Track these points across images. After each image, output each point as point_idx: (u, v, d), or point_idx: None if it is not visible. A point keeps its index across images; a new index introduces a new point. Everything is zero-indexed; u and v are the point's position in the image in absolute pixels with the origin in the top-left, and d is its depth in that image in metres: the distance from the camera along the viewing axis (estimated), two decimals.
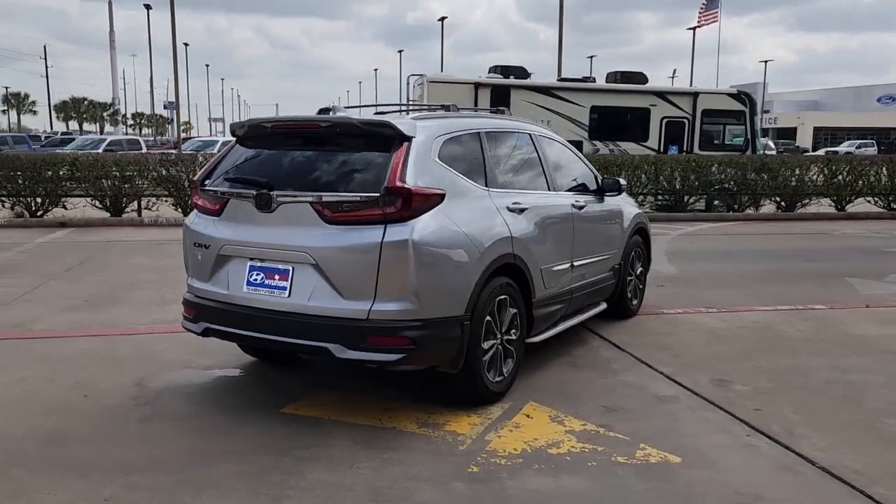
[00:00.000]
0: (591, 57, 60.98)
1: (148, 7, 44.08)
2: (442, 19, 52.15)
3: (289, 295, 4.07)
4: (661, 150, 19.76)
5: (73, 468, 3.59)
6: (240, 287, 4.24)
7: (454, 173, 4.35)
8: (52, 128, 70.93)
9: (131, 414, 4.31)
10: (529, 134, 5.41)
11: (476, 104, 18.55)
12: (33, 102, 78.70)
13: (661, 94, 20.06)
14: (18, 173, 13.62)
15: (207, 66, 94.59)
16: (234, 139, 4.66)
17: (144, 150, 26.37)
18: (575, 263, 5.51)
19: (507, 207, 4.66)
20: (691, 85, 39.02)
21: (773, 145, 49.54)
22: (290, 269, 4.08)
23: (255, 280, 4.19)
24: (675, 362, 5.43)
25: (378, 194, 3.91)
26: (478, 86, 18.73)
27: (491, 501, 3.31)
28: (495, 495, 3.36)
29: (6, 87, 75.00)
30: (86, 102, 74.90)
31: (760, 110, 34.47)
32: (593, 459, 3.74)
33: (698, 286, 8.39)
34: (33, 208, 13.67)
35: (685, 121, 20.04)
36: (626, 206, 6.63)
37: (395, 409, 4.40)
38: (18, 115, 79.54)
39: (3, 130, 68.02)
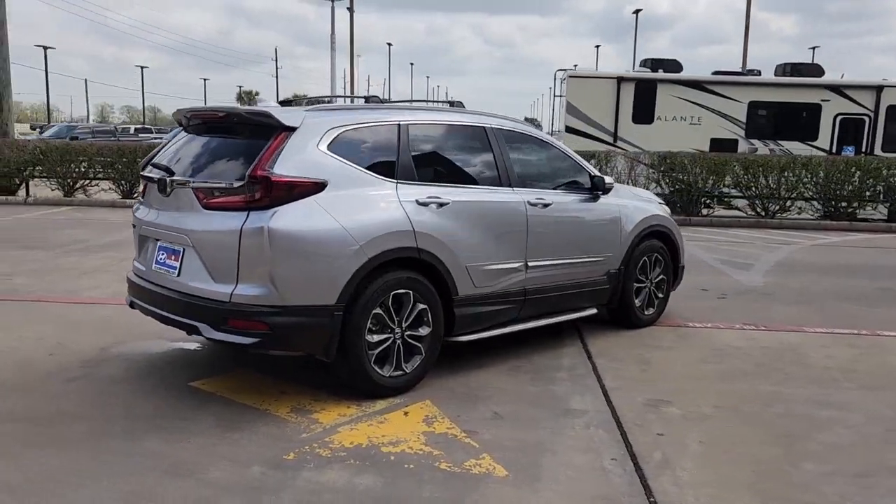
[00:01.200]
0: (814, 48, 55.52)
1: (350, 10, 47.09)
2: (636, 12, 50.30)
3: (178, 275, 4.33)
4: (834, 150, 17.79)
5: None
6: (151, 265, 4.58)
7: (347, 164, 4.36)
8: None
9: (67, 373, 4.81)
10: (484, 128, 5.22)
11: (618, 100, 17.89)
12: (263, 100, 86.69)
13: (836, 88, 18.02)
14: None
15: (412, 64, 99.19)
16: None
17: None
18: (532, 264, 5.25)
19: (418, 201, 4.57)
20: None
21: None
22: (181, 250, 4.34)
23: (160, 259, 4.51)
24: (632, 378, 5.02)
25: (244, 182, 4.05)
26: (620, 80, 18.01)
27: (270, 488, 3.33)
28: (278, 483, 3.38)
29: (239, 87, 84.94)
30: (305, 100, 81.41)
31: None
32: (417, 462, 3.62)
33: (766, 300, 7.57)
34: None
35: (865, 118, 17.85)
36: (631, 206, 6.15)
37: (288, 394, 4.51)
38: None
39: None
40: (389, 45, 75.38)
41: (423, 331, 4.60)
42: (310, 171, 4.18)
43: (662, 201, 7.07)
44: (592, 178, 5.79)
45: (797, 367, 5.34)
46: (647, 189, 15.10)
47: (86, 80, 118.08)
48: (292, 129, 4.21)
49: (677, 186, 14.46)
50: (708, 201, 15.18)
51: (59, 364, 4.98)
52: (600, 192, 5.81)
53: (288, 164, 4.12)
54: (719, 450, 3.88)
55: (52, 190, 15.70)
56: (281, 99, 5.30)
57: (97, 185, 15.95)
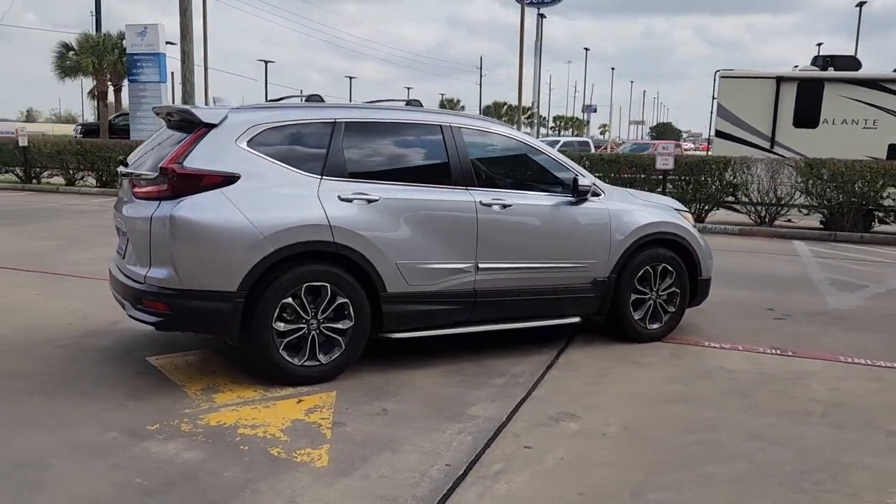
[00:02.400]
0: None
1: (542, 16, 47.21)
2: (860, 4, 45.20)
3: (124, 258, 4.81)
4: None
5: None
6: (118, 253, 5.11)
7: (266, 159, 4.58)
8: None
9: (63, 340, 5.48)
10: (440, 126, 5.19)
11: (777, 102, 16.43)
12: (463, 108, 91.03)
13: None
14: None
15: (613, 69, 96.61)
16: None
17: (593, 150, 29.34)
18: (484, 266, 5.15)
19: (340, 197, 4.68)
20: None
21: None
22: (127, 236, 4.81)
23: (120, 246, 5.02)
24: (568, 391, 4.79)
25: (157, 174, 4.42)
26: (780, 80, 16.47)
27: (103, 451, 3.64)
28: (114, 448, 3.68)
29: (441, 94, 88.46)
30: (505, 107, 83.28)
31: None
32: (254, 445, 3.77)
33: (831, 325, 6.73)
34: None
35: None
36: (625, 211, 5.76)
37: (217, 375, 4.84)
38: None
39: None
40: (586, 49, 74.47)
41: (344, 324, 4.71)
42: (222, 165, 4.47)
43: (683, 208, 6.52)
44: (575, 180, 5.51)
45: (774, 397, 4.74)
46: (792, 199, 13.78)
47: (301, 90, 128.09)
48: (211, 126, 4.52)
49: (840, 197, 13.09)
50: (882, 215, 13.61)
51: (64, 332, 5.70)
52: (584, 196, 5.52)
53: (200, 158, 4.43)
54: (572, 468, 3.62)
55: None
56: (273, 98, 5.62)
57: None
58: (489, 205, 5.17)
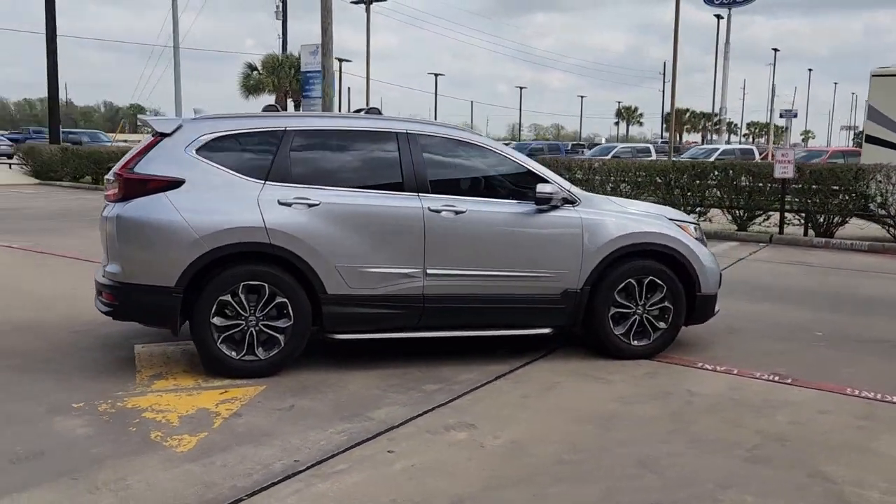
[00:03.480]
0: None
1: (718, 17, 44.96)
2: None
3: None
4: None
5: None
6: None
7: (212, 165, 4.93)
8: (660, 136, 76.84)
9: (84, 326, 6.13)
10: (395, 133, 5.27)
11: None
12: (641, 115, 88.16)
13: None
14: None
15: (810, 70, 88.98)
16: None
17: (758, 158, 28.37)
18: (433, 272, 5.15)
19: (280, 201, 4.92)
20: None
21: None
22: None
23: None
24: (495, 401, 4.71)
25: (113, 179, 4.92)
26: None
27: (19, 421, 4.14)
28: (31, 419, 4.17)
29: (618, 102, 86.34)
30: (687, 113, 79.48)
31: None
32: (142, 426, 4.11)
33: (871, 353, 5.99)
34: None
35: None
36: (602, 221, 5.48)
37: (179, 364, 5.25)
38: (627, 125, 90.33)
39: (610, 140, 77.04)
40: (776, 50, 69.44)
41: (283, 323, 4.94)
42: (169, 171, 4.87)
43: (686, 219, 6.05)
44: (544, 188, 5.34)
45: (716, 425, 4.35)
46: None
47: (471, 101, 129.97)
48: (164, 135, 4.95)
49: None
50: None
51: (91, 318, 6.29)
52: (545, 203, 5.34)
53: (150, 164, 4.88)
54: (412, 476, 3.60)
55: None
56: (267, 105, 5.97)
57: None
58: (438, 211, 5.17)
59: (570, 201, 5.47)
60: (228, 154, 5.03)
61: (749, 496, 3.44)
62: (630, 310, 5.57)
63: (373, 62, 42.55)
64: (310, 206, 4.97)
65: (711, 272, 5.77)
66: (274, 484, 3.46)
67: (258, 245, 4.86)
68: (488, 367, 5.31)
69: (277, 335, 4.95)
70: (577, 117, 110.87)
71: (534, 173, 5.52)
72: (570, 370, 5.31)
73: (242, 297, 4.87)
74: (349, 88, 47.68)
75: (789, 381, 5.18)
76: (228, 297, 4.85)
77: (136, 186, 4.86)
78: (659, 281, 5.58)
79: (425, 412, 4.43)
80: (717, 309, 6.01)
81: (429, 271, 5.16)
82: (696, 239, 5.87)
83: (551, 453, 3.89)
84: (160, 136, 4.98)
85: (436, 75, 64.07)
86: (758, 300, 7.90)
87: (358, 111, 5.71)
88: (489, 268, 5.29)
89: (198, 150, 4.97)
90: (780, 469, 3.76)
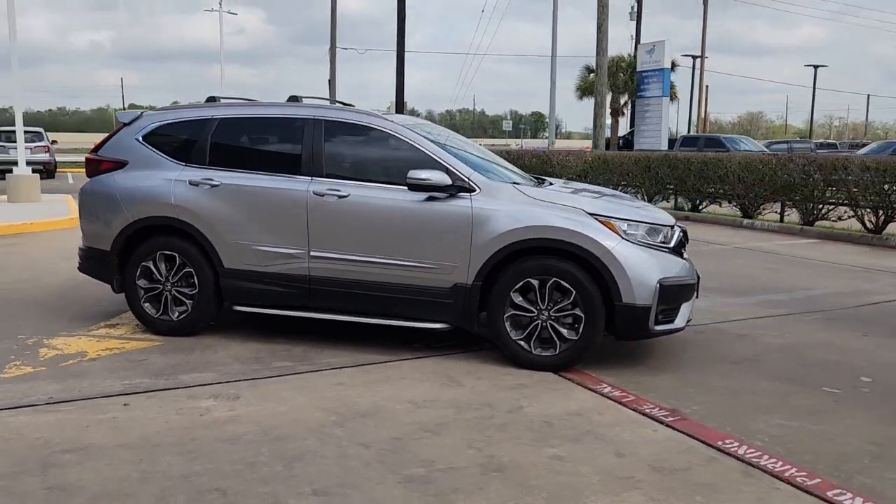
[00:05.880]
0: None
1: None
2: None
3: None
4: None
5: None
6: None
7: (151, 150, 5.74)
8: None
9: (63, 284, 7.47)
10: (304, 119, 5.45)
11: None
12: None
13: None
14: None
15: None
16: None
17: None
18: (317, 254, 5.28)
19: (190, 181, 5.52)
20: None
21: None
22: None
23: None
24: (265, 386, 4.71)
25: None
26: None
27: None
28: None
29: None
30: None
31: None
32: (28, 356, 5.06)
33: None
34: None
35: None
36: (496, 212, 4.96)
37: (122, 322, 6.16)
38: None
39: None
40: None
41: (191, 290, 5.57)
42: (118, 154, 5.82)
43: (616, 216, 5.00)
44: (417, 174, 5.06)
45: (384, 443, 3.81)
46: None
47: (868, 95, 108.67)
48: (125, 125, 5.90)
49: None
50: None
51: (67, 277, 7.62)
52: (420, 190, 5.09)
53: (108, 149, 5.89)
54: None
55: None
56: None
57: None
58: (322, 194, 5.26)
59: (466, 189, 5.08)
60: (166, 140, 5.80)
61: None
62: (531, 314, 4.96)
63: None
64: (212, 186, 5.49)
65: (645, 279, 4.81)
66: (20, 407, 4.14)
67: (168, 220, 5.55)
68: (365, 355, 5.25)
69: (186, 301, 5.58)
70: None
71: (435, 160, 5.22)
72: (443, 370, 4.96)
73: (161, 264, 5.61)
74: (707, 87, 45.04)
75: (668, 422, 4.15)
76: (150, 264, 5.62)
77: (94, 166, 5.92)
78: (565, 283, 4.87)
79: (224, 382, 4.65)
80: (677, 324, 5.00)
81: (312, 253, 5.30)
82: (640, 241, 4.94)
83: (244, 432, 3.86)
84: (122, 126, 5.96)
85: (815, 67, 57.09)
86: None
87: (292, 98, 5.95)
88: (373, 254, 5.21)
89: (144, 137, 5.83)
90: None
